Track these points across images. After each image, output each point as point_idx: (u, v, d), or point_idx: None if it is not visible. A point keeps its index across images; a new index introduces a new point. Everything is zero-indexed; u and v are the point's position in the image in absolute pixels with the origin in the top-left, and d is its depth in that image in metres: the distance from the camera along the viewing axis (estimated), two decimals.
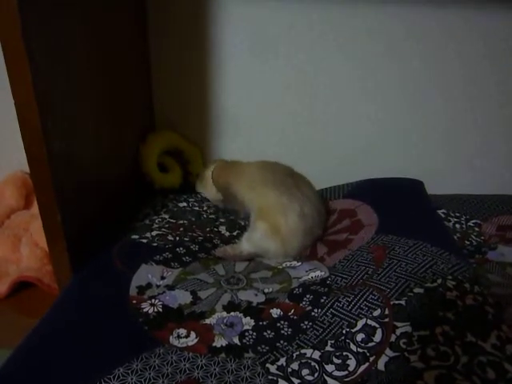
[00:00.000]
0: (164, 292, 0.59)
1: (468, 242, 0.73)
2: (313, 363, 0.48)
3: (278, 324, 0.54)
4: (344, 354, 0.48)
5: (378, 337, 0.48)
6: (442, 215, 0.80)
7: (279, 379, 0.46)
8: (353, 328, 0.50)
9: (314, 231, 0.69)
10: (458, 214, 0.81)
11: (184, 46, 0.84)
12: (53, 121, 0.53)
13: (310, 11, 0.79)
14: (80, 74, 0.60)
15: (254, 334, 0.52)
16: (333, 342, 0.50)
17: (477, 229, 0.77)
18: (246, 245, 0.68)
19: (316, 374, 0.46)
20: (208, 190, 0.83)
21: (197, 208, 0.83)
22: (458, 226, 0.78)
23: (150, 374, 0.46)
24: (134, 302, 0.57)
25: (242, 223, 0.79)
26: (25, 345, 0.50)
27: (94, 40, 0.63)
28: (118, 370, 0.46)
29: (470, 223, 0.78)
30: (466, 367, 0.42)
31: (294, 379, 0.46)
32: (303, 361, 0.48)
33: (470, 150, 0.89)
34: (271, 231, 0.67)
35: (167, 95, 0.89)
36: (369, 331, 0.49)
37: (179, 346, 0.50)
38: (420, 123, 0.87)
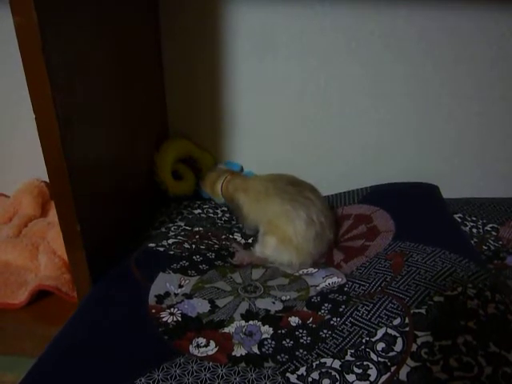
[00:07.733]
0: (182, 301, 0.59)
1: (486, 247, 0.73)
2: (333, 373, 0.47)
3: (297, 332, 0.54)
4: (365, 363, 0.48)
5: (398, 346, 0.48)
6: (459, 220, 0.79)
7: None
8: (373, 337, 0.50)
9: (324, 235, 0.68)
10: (474, 219, 0.80)
11: (196, 55, 0.85)
12: (72, 133, 0.53)
13: (321, 16, 0.79)
14: (97, 87, 0.61)
15: (273, 342, 0.52)
16: (353, 351, 0.49)
17: (494, 233, 0.76)
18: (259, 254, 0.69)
19: None
20: (215, 196, 0.83)
21: (211, 215, 0.84)
22: (474, 230, 0.77)
23: None
24: (153, 311, 0.57)
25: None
26: (46, 355, 0.50)
27: (110, 53, 0.64)
28: (140, 381, 0.46)
29: (488, 227, 0.77)
30: (490, 379, 0.42)
31: None
32: (323, 370, 0.48)
33: (483, 153, 0.88)
34: (282, 244, 0.66)
35: (180, 103, 0.89)
36: (389, 340, 0.49)
37: (199, 355, 0.50)
38: (432, 126, 0.87)
